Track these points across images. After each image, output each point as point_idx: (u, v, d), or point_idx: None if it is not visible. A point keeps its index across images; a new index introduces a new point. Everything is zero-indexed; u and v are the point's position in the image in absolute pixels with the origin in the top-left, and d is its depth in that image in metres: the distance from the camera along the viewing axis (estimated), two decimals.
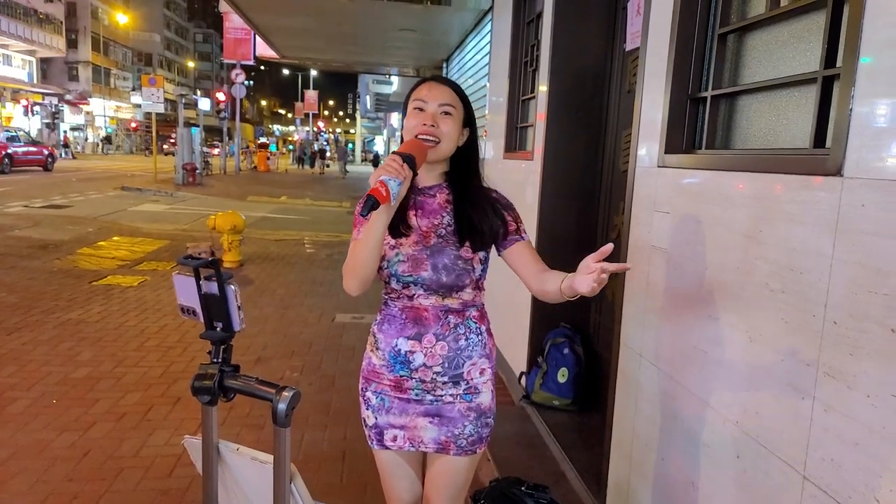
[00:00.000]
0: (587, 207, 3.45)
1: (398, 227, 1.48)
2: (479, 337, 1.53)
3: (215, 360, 1.24)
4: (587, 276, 1.26)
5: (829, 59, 1.39)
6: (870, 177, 1.17)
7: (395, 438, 1.54)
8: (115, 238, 8.78)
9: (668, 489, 1.92)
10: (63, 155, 30.39)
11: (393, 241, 1.48)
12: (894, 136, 1.12)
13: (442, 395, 1.50)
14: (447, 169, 1.54)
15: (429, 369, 1.48)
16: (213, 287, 1.20)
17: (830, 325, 1.25)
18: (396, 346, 1.49)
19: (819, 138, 1.41)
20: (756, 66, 1.76)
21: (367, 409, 1.57)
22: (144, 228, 9.88)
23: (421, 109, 1.46)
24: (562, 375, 3.38)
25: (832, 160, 1.25)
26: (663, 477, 1.95)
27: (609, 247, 1.28)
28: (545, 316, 3.49)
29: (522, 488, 2.18)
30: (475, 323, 1.53)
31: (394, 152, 1.35)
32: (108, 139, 43.49)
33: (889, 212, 1.12)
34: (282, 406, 1.16)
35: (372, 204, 1.26)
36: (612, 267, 1.25)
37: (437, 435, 1.51)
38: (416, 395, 1.50)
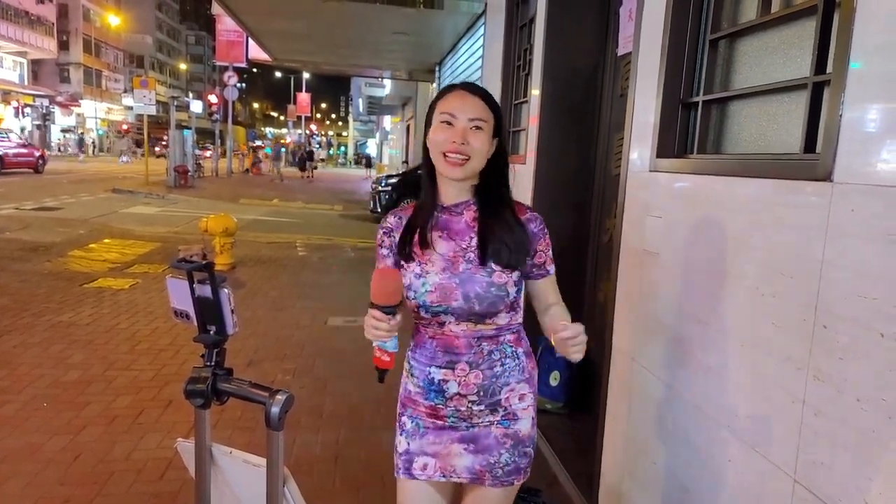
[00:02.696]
0: (580, 211, 3.46)
1: (419, 251, 1.39)
2: (516, 361, 1.44)
3: (208, 364, 1.24)
4: (565, 349, 1.28)
5: (820, 65, 1.41)
6: (859, 182, 1.18)
7: (424, 467, 1.44)
8: (107, 240, 8.72)
9: (660, 493, 1.93)
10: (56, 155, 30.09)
11: (419, 270, 1.38)
12: (884, 141, 1.14)
13: (479, 422, 1.42)
14: (476, 182, 1.43)
15: (463, 398, 1.40)
16: (206, 290, 1.20)
17: (820, 329, 1.27)
18: (430, 374, 1.41)
19: (809, 144, 1.42)
20: (747, 72, 1.77)
21: (402, 434, 1.48)
22: (136, 231, 9.82)
23: (449, 123, 1.34)
24: (554, 379, 3.39)
25: (822, 165, 1.27)
26: (655, 480, 1.96)
27: (566, 332, 1.26)
28: (537, 319, 3.49)
29: None
30: (511, 347, 1.43)
31: (370, 304, 1.25)
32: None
33: (878, 217, 1.13)
34: (275, 409, 1.15)
35: (381, 373, 1.30)
36: (566, 334, 1.26)
37: (472, 463, 1.42)
38: (452, 422, 1.43)
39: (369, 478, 2.81)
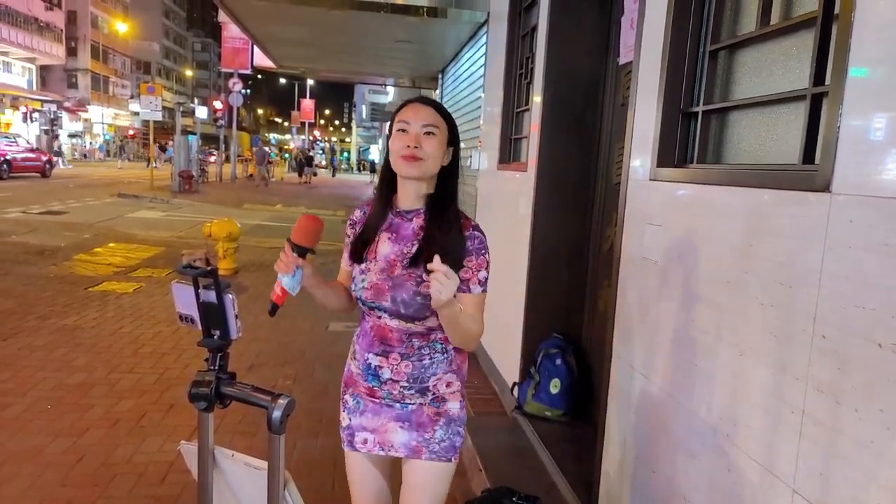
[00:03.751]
0: (580, 219, 3.48)
1: (365, 249, 1.52)
2: (445, 356, 1.54)
3: (212, 368, 1.25)
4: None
5: (818, 76, 1.42)
6: (858, 193, 1.19)
7: (365, 441, 1.57)
8: (111, 244, 8.77)
9: (658, 501, 1.93)
10: (60, 165, 30.14)
11: (363, 266, 1.52)
12: (882, 152, 1.15)
13: (411, 403, 1.53)
14: (431, 191, 1.52)
15: (396, 383, 1.52)
16: (211, 295, 1.21)
17: (819, 339, 1.27)
18: (367, 359, 1.53)
19: (808, 154, 1.44)
20: (746, 83, 1.79)
21: (344, 411, 1.61)
22: (140, 235, 9.87)
23: (404, 130, 1.46)
24: (554, 386, 3.39)
25: (821, 176, 1.28)
26: (654, 489, 1.96)
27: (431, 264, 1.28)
28: (538, 326, 3.50)
29: (514, 499, 2.19)
30: (441, 344, 1.53)
31: (287, 239, 1.42)
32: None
33: (876, 227, 1.14)
34: (277, 413, 1.17)
35: (272, 306, 1.41)
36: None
37: (408, 440, 1.53)
38: (388, 402, 1.54)
39: None
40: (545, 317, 3.51)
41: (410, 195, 1.51)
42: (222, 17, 18.32)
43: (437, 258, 1.28)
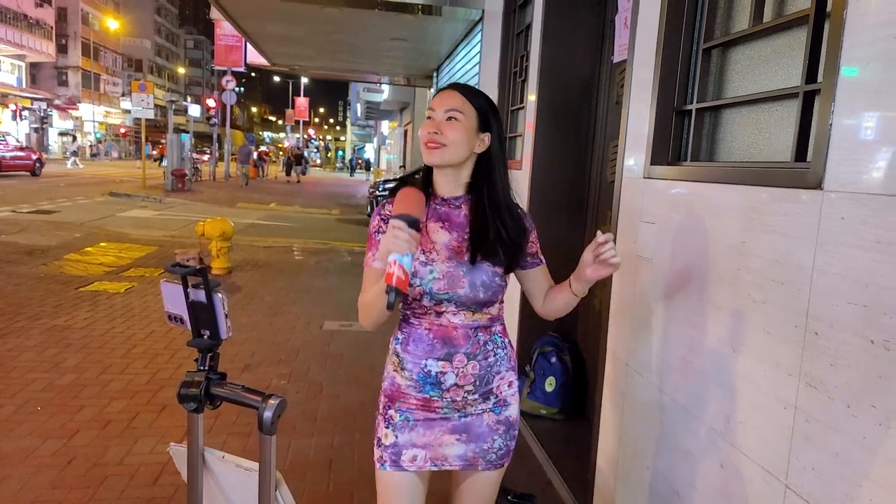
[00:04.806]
0: (575, 217, 3.48)
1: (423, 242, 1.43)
2: (505, 351, 1.52)
3: (202, 368, 1.24)
4: (592, 259, 1.37)
5: (811, 74, 1.42)
6: (849, 190, 1.19)
7: (414, 458, 1.46)
8: (103, 244, 8.71)
9: (653, 498, 1.93)
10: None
11: (423, 258, 1.42)
12: (873, 150, 1.15)
13: (472, 412, 1.47)
14: (470, 179, 1.48)
15: (461, 388, 1.44)
16: (200, 295, 1.20)
17: (812, 335, 1.28)
18: (426, 367, 1.43)
19: (800, 152, 1.44)
20: (739, 81, 1.79)
21: (388, 427, 1.48)
22: (132, 234, 9.81)
23: (430, 117, 1.44)
24: (549, 384, 3.39)
25: (813, 174, 1.28)
26: (648, 486, 1.96)
27: (602, 237, 1.35)
28: (533, 324, 3.50)
29: (509, 497, 2.18)
30: (500, 337, 1.51)
31: (394, 216, 1.23)
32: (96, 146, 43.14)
33: (868, 224, 1.15)
34: (267, 414, 1.16)
35: (396, 293, 1.17)
36: (602, 238, 1.36)
37: (464, 451, 1.47)
38: (445, 413, 1.46)
39: (363, 482, 2.80)
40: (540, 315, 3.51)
41: (449, 182, 1.47)
42: (215, 14, 18.24)
43: (599, 233, 1.33)
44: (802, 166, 1.37)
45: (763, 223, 1.45)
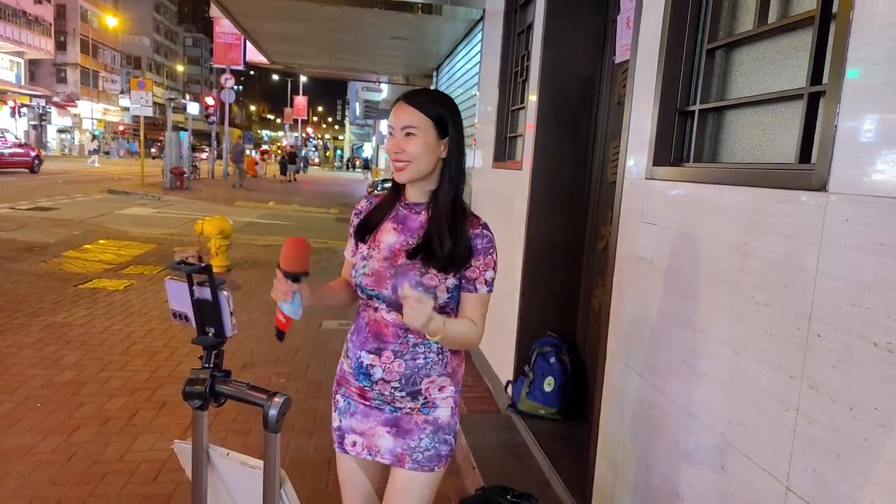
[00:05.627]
0: (575, 217, 3.48)
1: (368, 234, 1.51)
2: (440, 356, 1.50)
3: (207, 366, 1.24)
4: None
5: (816, 75, 1.42)
6: (854, 192, 1.20)
7: (354, 444, 1.55)
8: (102, 241, 8.70)
9: (652, 499, 1.93)
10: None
11: (365, 252, 1.50)
12: (878, 152, 1.15)
13: (401, 407, 1.50)
14: (435, 187, 1.49)
15: (387, 384, 1.48)
16: (205, 293, 1.20)
17: (814, 337, 1.28)
18: (360, 357, 1.50)
19: (805, 154, 1.44)
20: (743, 82, 1.79)
21: (335, 411, 1.60)
22: (131, 232, 9.79)
23: (392, 134, 1.46)
24: (548, 384, 3.39)
25: (817, 175, 1.28)
26: (648, 487, 1.96)
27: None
28: (532, 325, 3.50)
29: (508, 497, 2.19)
30: (436, 343, 1.47)
31: (277, 267, 1.41)
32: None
33: (872, 227, 1.15)
34: (273, 412, 1.16)
35: (278, 333, 1.43)
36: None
37: (394, 446, 1.51)
38: (378, 404, 1.52)
39: None
40: (539, 315, 3.52)
41: (416, 189, 1.51)
42: (214, 11, 18.21)
43: (406, 285, 1.32)
44: (807, 168, 1.37)
45: (766, 225, 1.45)
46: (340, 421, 1.57)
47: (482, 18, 5.38)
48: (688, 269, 1.79)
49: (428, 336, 1.35)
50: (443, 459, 1.53)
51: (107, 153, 41.61)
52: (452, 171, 1.48)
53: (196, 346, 1.27)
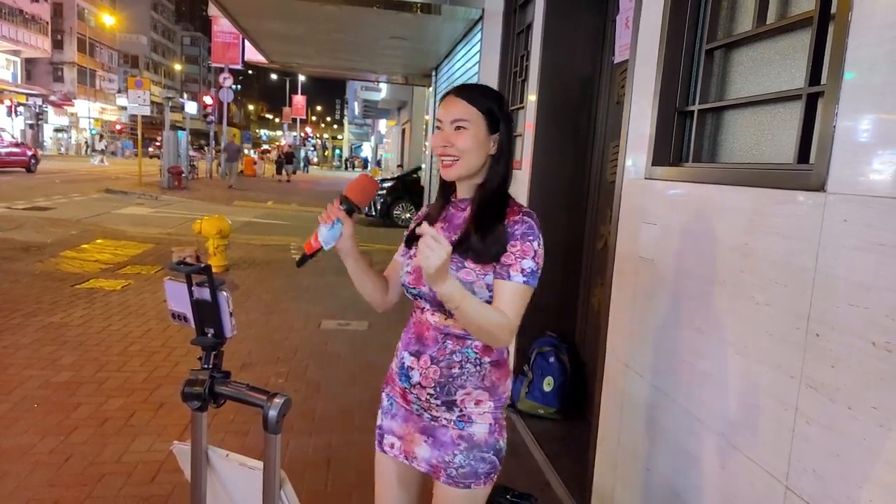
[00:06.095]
0: (575, 217, 3.48)
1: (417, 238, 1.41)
2: (478, 368, 1.42)
3: (206, 366, 1.24)
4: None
5: (814, 76, 1.42)
6: (852, 192, 1.20)
7: (392, 445, 1.52)
8: (99, 241, 8.68)
9: (652, 499, 1.94)
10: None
11: (411, 253, 1.47)
12: (876, 152, 1.15)
13: (437, 417, 1.44)
14: (480, 181, 1.45)
15: (423, 389, 1.43)
16: (205, 293, 1.20)
17: (813, 337, 1.28)
18: (402, 359, 1.48)
19: (803, 154, 1.44)
20: (742, 82, 1.79)
21: (380, 409, 1.57)
22: (129, 232, 9.77)
23: (439, 128, 1.41)
24: (547, 384, 3.40)
25: (816, 176, 1.28)
26: (648, 487, 1.96)
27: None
28: (531, 324, 3.50)
29: (508, 496, 2.18)
30: (476, 353, 1.41)
31: (340, 193, 1.41)
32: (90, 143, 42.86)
33: (870, 227, 1.15)
34: (273, 413, 1.16)
35: (301, 255, 1.38)
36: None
37: (430, 456, 1.45)
38: (416, 409, 1.47)
39: (362, 481, 2.80)
40: (539, 315, 3.50)
41: (464, 187, 1.47)
42: (213, 10, 18.17)
43: (425, 224, 1.20)
44: (805, 168, 1.38)
45: (765, 225, 1.45)
46: (383, 420, 1.55)
47: (481, 18, 5.39)
48: (688, 269, 1.79)
49: (441, 298, 1.24)
50: (481, 478, 1.43)
51: (113, 153, 41.47)
52: (502, 168, 1.43)
53: (194, 346, 1.27)
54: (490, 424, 1.44)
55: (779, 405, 1.37)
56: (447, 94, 1.45)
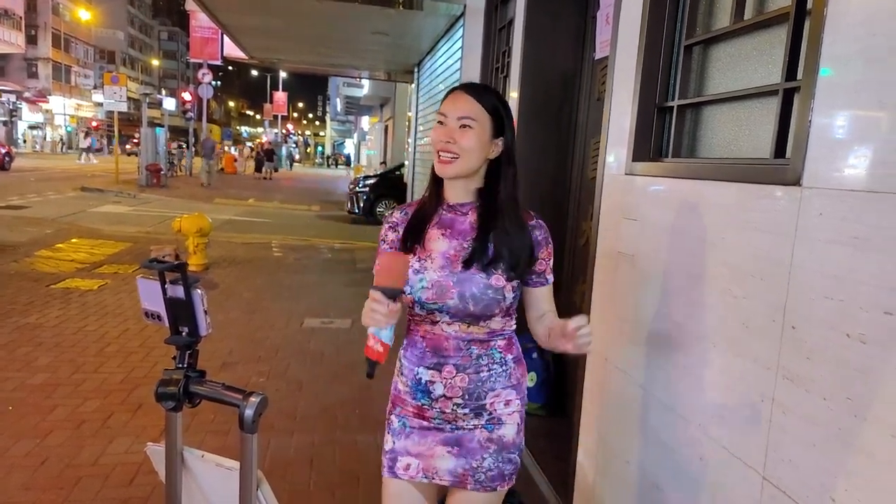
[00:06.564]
0: (556, 214, 3.49)
1: (418, 248, 1.40)
2: (504, 367, 1.44)
3: (180, 366, 1.22)
4: (568, 343, 1.28)
5: (791, 71, 1.44)
6: (827, 186, 1.21)
7: (407, 467, 1.45)
8: (75, 240, 8.52)
9: (633, 492, 1.95)
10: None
11: (417, 265, 1.38)
12: (851, 147, 1.17)
13: (463, 425, 1.42)
14: (481, 185, 1.43)
15: (448, 400, 1.40)
16: (178, 291, 1.18)
17: (789, 330, 1.29)
18: (417, 374, 1.42)
19: (780, 149, 1.45)
20: (721, 78, 1.80)
21: (389, 432, 1.49)
22: (105, 230, 9.61)
23: (442, 123, 1.38)
24: (530, 380, 3.40)
25: (792, 170, 1.30)
26: (629, 479, 1.98)
27: (573, 324, 1.25)
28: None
29: None
30: (500, 353, 1.43)
31: (373, 287, 1.21)
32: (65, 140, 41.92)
33: (845, 220, 1.16)
34: (249, 412, 1.14)
35: (372, 365, 1.21)
36: (575, 324, 1.25)
37: (455, 466, 1.42)
38: (438, 423, 1.43)
39: (344, 480, 2.79)
40: (522, 311, 3.52)
41: (458, 190, 1.43)
42: (190, 5, 17.93)
43: (570, 322, 1.23)
44: (782, 163, 1.39)
45: (743, 219, 1.46)
46: (394, 443, 1.46)
47: (463, 14, 5.37)
48: (667, 264, 1.80)
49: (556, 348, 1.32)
50: (506, 479, 1.45)
51: (99, 150, 40.62)
52: (512, 173, 1.42)
53: (172, 346, 1.24)
54: (518, 424, 1.47)
55: (756, 397, 1.38)
56: (457, 88, 1.42)
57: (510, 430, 1.45)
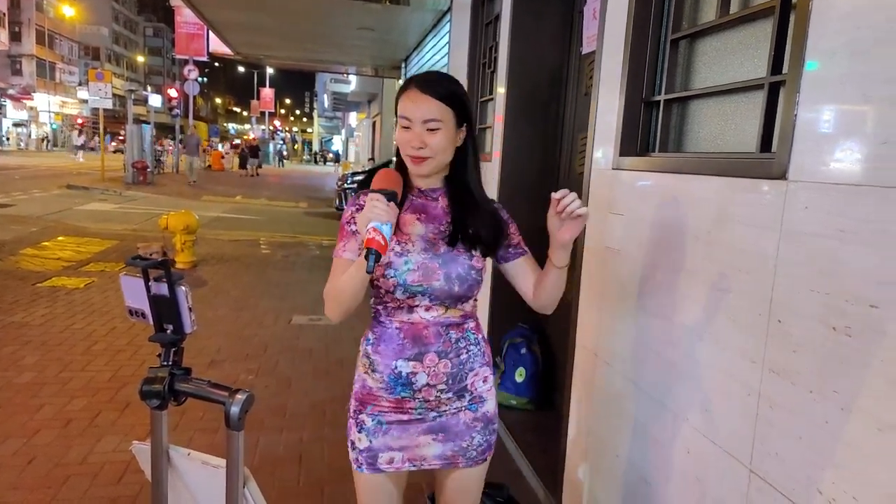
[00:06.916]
0: (544, 209, 3.48)
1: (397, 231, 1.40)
2: (479, 347, 1.49)
3: (165, 364, 1.20)
4: (559, 222, 1.38)
5: (776, 65, 1.44)
6: (813, 180, 1.21)
7: (391, 461, 1.45)
8: (61, 238, 8.43)
9: (621, 485, 1.96)
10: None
11: (399, 249, 1.38)
12: (837, 141, 1.17)
13: (446, 410, 1.45)
14: (447, 172, 1.46)
15: (433, 388, 1.41)
16: (162, 288, 1.16)
17: (775, 323, 1.30)
18: (397, 368, 1.40)
19: (765, 143, 1.46)
20: (707, 72, 1.81)
21: (361, 431, 1.45)
22: (92, 228, 9.51)
23: (407, 127, 1.36)
24: (519, 375, 3.41)
25: (777, 164, 1.30)
26: (617, 474, 1.99)
27: (558, 193, 1.35)
28: (503, 316, 3.51)
29: None
30: (473, 334, 1.48)
31: (372, 190, 1.26)
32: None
33: (830, 214, 1.17)
34: (234, 409, 1.13)
35: (375, 256, 1.19)
36: (558, 195, 1.34)
37: (443, 451, 1.46)
38: (419, 414, 1.43)
39: (333, 477, 2.78)
40: (510, 306, 3.52)
41: (427, 178, 1.45)
42: (175, 0, 17.74)
43: (553, 194, 1.31)
44: (767, 157, 1.39)
45: (729, 213, 1.47)
46: (371, 441, 1.44)
47: (450, 9, 5.35)
48: (654, 259, 1.80)
49: (562, 265, 1.44)
50: (491, 447, 1.54)
51: (92, 149, 40.08)
52: (473, 157, 1.47)
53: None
54: (495, 396, 1.55)
55: (743, 390, 1.39)
56: (412, 85, 1.38)
57: (490, 404, 1.53)
